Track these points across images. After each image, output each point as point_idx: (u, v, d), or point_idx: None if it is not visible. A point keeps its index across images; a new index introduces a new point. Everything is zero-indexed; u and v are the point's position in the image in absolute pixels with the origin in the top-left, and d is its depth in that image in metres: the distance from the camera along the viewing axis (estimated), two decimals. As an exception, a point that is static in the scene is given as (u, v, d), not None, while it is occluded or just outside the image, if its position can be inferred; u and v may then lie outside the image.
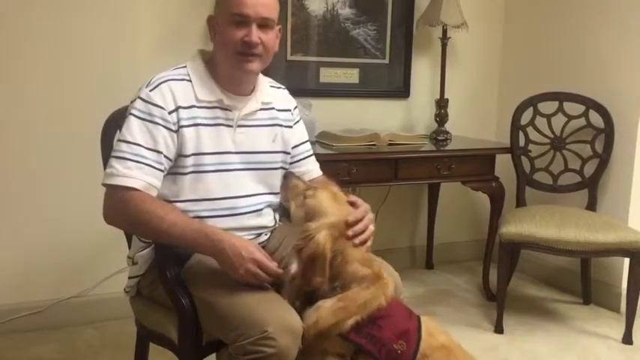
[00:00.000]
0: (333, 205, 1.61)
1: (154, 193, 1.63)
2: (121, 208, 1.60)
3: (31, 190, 2.64)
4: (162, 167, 1.64)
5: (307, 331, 1.52)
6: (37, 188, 2.65)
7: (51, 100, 2.62)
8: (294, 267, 1.55)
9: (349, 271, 1.55)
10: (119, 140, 1.64)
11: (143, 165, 1.61)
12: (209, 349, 1.68)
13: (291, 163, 1.92)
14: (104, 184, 1.63)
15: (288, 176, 1.79)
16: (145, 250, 1.74)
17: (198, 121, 1.69)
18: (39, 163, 2.63)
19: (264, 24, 1.69)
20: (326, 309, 1.52)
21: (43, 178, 2.65)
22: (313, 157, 1.99)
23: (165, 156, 1.64)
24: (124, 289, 1.86)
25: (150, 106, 1.64)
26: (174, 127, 1.65)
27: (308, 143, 1.99)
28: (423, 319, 1.61)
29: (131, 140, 1.62)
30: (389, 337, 1.50)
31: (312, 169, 1.98)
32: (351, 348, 1.51)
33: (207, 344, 1.66)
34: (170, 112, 1.65)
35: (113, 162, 1.62)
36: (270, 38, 1.72)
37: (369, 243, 1.63)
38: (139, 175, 1.60)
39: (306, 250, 1.52)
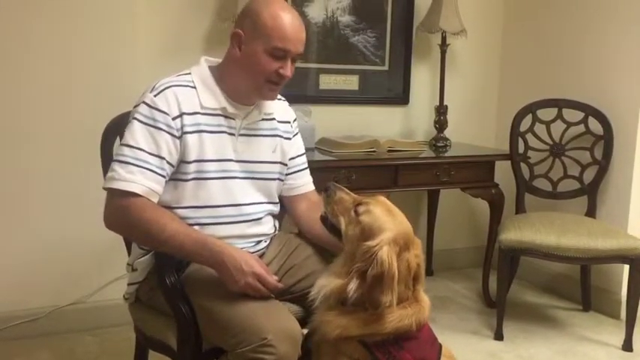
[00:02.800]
0: (389, 219, 1.56)
1: (155, 199, 1.63)
2: (121, 214, 1.60)
3: (30, 195, 2.64)
4: (164, 173, 1.64)
5: (331, 332, 1.51)
6: (37, 194, 2.64)
7: (51, 106, 2.62)
8: (352, 287, 1.49)
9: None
10: (122, 144, 1.64)
11: (145, 170, 1.61)
12: (208, 356, 1.67)
13: (287, 174, 1.92)
14: (105, 188, 1.63)
15: (330, 188, 1.69)
16: (145, 257, 1.73)
17: (202, 127, 1.69)
18: (38, 169, 2.63)
19: (295, 58, 1.72)
20: (359, 318, 1.51)
21: (42, 184, 2.64)
22: (307, 171, 1.99)
23: (167, 162, 1.64)
24: (123, 296, 1.85)
25: (154, 111, 1.64)
26: (177, 133, 1.65)
27: (304, 156, 1.99)
28: (443, 349, 1.62)
29: (134, 145, 1.62)
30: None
31: (306, 182, 1.97)
32: (368, 357, 1.50)
33: (207, 351, 1.66)
34: (174, 118, 1.65)
35: (115, 166, 1.61)
36: (294, 68, 1.74)
37: None
38: (141, 180, 1.60)
39: (372, 271, 1.47)
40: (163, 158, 1.63)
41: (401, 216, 1.61)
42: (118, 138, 1.92)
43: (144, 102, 1.66)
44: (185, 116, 1.67)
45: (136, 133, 1.63)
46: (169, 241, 1.58)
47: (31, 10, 2.55)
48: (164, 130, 1.64)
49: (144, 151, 1.61)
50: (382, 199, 1.63)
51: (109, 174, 1.62)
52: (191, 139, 1.67)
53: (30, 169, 2.62)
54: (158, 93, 1.66)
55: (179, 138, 1.66)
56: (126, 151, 1.62)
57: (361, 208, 1.58)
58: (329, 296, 1.55)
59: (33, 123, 2.61)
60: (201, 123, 1.69)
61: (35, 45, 2.57)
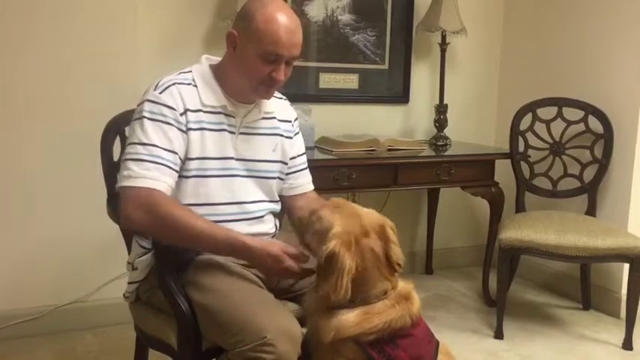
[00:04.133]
0: (335, 216, 1.56)
1: (170, 194, 1.63)
2: (147, 210, 1.56)
3: (30, 195, 2.64)
4: (177, 168, 1.64)
5: (326, 336, 1.52)
6: (37, 193, 2.64)
7: (51, 105, 2.62)
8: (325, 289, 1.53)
9: (371, 285, 1.54)
10: (132, 143, 1.62)
11: (161, 166, 1.59)
12: (208, 354, 1.67)
13: (287, 174, 1.92)
14: (121, 187, 1.59)
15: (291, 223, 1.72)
16: (145, 256, 1.73)
17: (204, 125, 1.69)
18: (38, 167, 2.63)
19: (291, 61, 1.70)
20: (350, 320, 1.51)
21: (42, 183, 2.64)
22: (307, 171, 1.99)
23: (179, 157, 1.64)
24: (124, 295, 1.86)
25: (161, 107, 1.64)
26: (184, 129, 1.65)
27: (305, 156, 1.98)
28: (440, 346, 1.62)
29: (146, 141, 1.60)
30: (402, 358, 1.51)
31: (306, 182, 1.98)
32: (364, 357, 1.51)
33: (207, 350, 1.66)
34: (181, 114, 1.65)
35: (129, 164, 1.59)
36: (290, 70, 1.73)
37: None
38: (159, 177, 1.58)
39: (321, 259, 1.51)
40: (176, 153, 1.63)
41: (350, 208, 1.62)
42: (118, 137, 1.92)
43: (148, 99, 1.65)
44: (189, 113, 1.67)
45: (147, 129, 1.61)
46: (198, 238, 1.58)
47: (30, 9, 2.55)
48: (174, 125, 1.63)
49: (157, 146, 1.60)
50: (335, 200, 1.65)
51: (124, 172, 1.59)
52: (194, 136, 1.67)
53: (29, 168, 2.62)
54: (163, 90, 1.66)
55: (185, 133, 1.66)
56: (139, 148, 1.60)
57: (313, 216, 1.60)
58: (317, 305, 1.57)
59: (33, 122, 2.60)
60: (204, 120, 1.69)
61: (35, 43, 2.57)
